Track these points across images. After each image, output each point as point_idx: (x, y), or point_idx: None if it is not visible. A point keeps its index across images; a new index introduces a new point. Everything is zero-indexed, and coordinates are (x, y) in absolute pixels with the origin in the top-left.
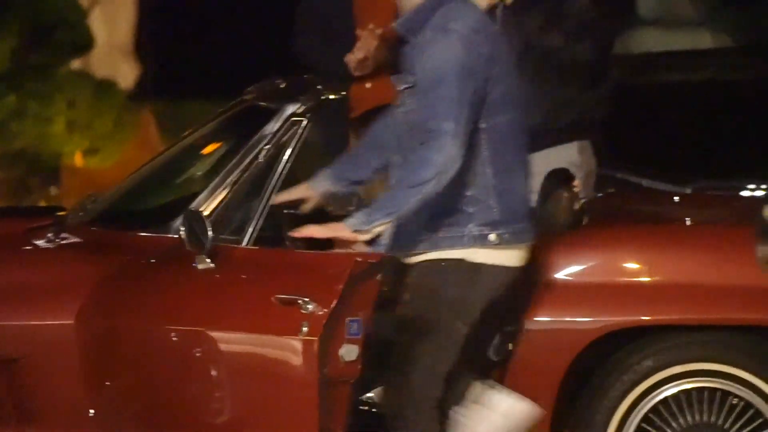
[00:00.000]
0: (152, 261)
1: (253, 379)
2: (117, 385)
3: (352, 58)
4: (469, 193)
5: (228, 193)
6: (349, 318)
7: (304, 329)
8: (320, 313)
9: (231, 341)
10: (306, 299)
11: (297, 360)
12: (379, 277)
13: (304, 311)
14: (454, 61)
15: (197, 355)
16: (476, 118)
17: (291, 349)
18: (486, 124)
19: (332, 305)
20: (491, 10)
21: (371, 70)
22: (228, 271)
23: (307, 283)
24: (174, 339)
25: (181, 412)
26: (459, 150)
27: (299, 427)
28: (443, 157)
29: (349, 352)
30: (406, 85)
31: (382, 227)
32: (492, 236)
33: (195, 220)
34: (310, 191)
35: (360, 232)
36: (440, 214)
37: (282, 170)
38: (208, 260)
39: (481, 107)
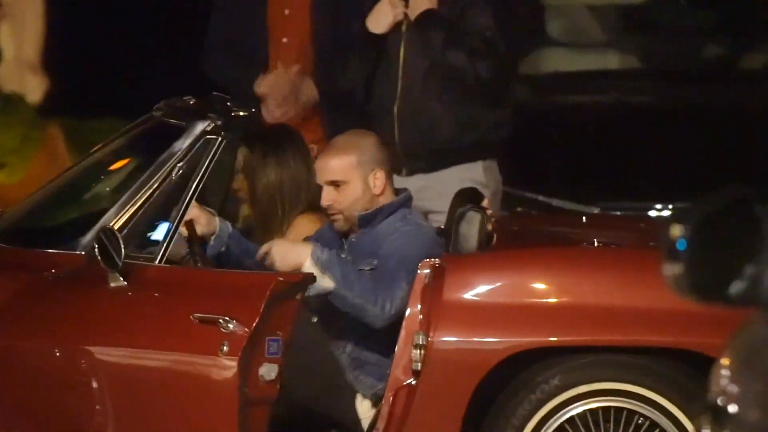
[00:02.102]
0: (61, 278)
1: (172, 398)
2: (21, 406)
3: (272, 115)
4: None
5: (139, 210)
6: (269, 337)
7: (225, 348)
8: (241, 332)
9: (148, 360)
10: (227, 318)
11: (218, 379)
12: (299, 296)
13: (224, 330)
14: (420, 245)
15: (111, 375)
16: None
17: (211, 368)
18: None
19: (254, 324)
20: (396, 27)
21: (295, 112)
22: (142, 290)
23: (226, 302)
24: (85, 358)
25: None
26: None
27: None
28: (393, 310)
29: (269, 371)
30: (370, 267)
31: (327, 282)
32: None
33: (108, 237)
34: (205, 219)
35: (316, 266)
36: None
37: (195, 188)
38: (121, 278)
39: None
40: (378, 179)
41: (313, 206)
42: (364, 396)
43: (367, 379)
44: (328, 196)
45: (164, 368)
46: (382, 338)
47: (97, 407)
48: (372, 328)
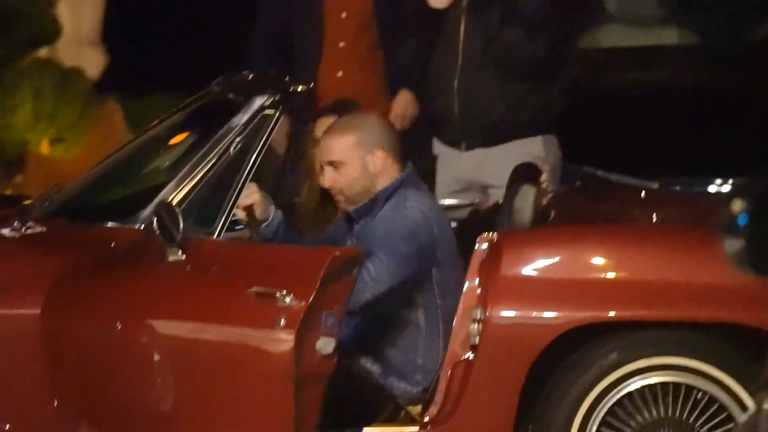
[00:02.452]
0: (119, 253)
1: (229, 372)
2: (83, 379)
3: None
4: (419, 361)
5: (197, 185)
6: (325, 312)
7: (281, 322)
8: (297, 306)
9: (205, 334)
10: (283, 292)
11: (274, 353)
12: (354, 271)
13: (281, 304)
14: (402, 226)
15: (170, 348)
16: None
17: (268, 342)
18: (441, 302)
19: (310, 298)
20: (456, 2)
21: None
22: (200, 264)
23: (283, 277)
24: (145, 332)
25: (151, 406)
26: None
27: (275, 421)
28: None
29: (325, 345)
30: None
31: None
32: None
33: (167, 212)
34: (263, 205)
35: None
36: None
37: (253, 163)
38: (180, 252)
39: (417, 273)
40: (378, 158)
41: None
42: (402, 401)
43: (400, 384)
44: (328, 177)
45: (221, 342)
46: (406, 341)
47: (158, 380)
48: (395, 336)
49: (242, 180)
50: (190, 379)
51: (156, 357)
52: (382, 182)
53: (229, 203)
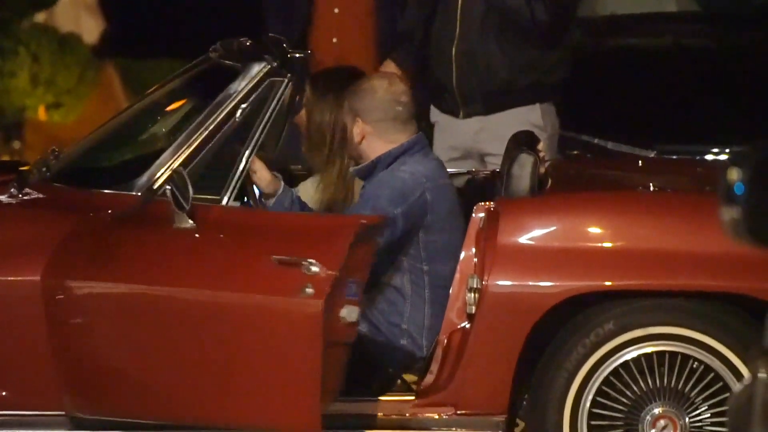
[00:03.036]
0: (119, 219)
1: (253, 341)
2: (88, 346)
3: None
4: (404, 326)
5: (197, 152)
6: (349, 279)
7: (308, 290)
8: (324, 274)
9: (228, 301)
10: (311, 260)
11: (301, 321)
12: (377, 239)
13: (306, 272)
14: (389, 187)
15: (182, 316)
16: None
17: (295, 310)
18: (428, 267)
19: (339, 266)
20: None
21: None
22: (212, 231)
23: (305, 244)
24: (156, 299)
25: (163, 374)
26: None
27: (302, 388)
28: None
29: (350, 313)
30: None
31: None
32: None
33: (177, 178)
34: (266, 179)
35: None
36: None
37: (260, 132)
38: (189, 220)
39: (403, 236)
40: (357, 128)
41: None
42: (391, 366)
43: (386, 349)
44: None
45: (243, 311)
46: (390, 306)
47: (172, 348)
48: (379, 299)
49: (249, 149)
50: (210, 348)
51: (169, 324)
52: (371, 151)
53: (235, 173)
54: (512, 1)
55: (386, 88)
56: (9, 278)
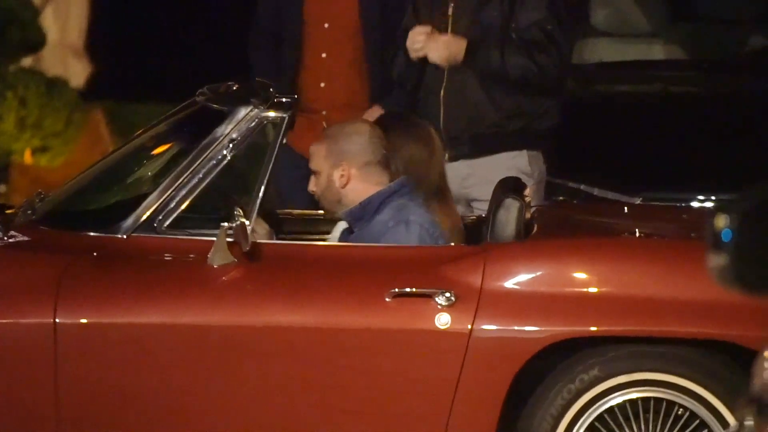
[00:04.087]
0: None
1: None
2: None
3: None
4: None
5: (189, 195)
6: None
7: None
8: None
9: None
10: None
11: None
12: None
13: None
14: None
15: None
16: None
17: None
18: None
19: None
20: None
21: None
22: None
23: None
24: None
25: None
26: None
27: None
28: None
29: None
30: None
31: None
32: None
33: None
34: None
35: None
36: None
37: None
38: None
39: None
40: (343, 173)
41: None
42: None
43: None
44: (311, 183)
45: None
46: None
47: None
48: None
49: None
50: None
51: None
52: (354, 195)
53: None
54: (517, 63)
55: (371, 132)
56: (19, 320)
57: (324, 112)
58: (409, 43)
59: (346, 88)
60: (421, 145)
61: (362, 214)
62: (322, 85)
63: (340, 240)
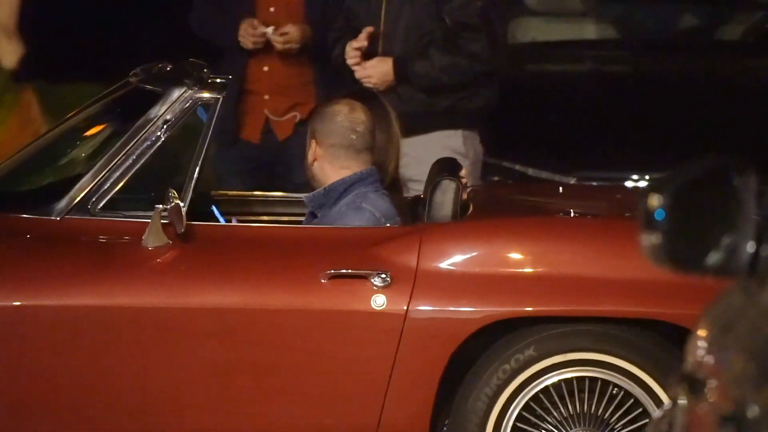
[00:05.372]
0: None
1: None
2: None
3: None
4: None
5: (122, 176)
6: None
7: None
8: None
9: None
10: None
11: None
12: None
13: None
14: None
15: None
16: None
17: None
18: None
19: None
20: None
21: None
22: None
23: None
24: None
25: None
26: None
27: None
28: None
29: None
30: None
31: None
32: None
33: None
34: None
35: None
36: None
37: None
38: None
39: None
40: (311, 149)
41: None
42: None
43: None
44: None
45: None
46: None
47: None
48: None
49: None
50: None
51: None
52: (321, 175)
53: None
54: (454, 61)
55: (345, 115)
56: None
57: (266, 97)
58: (350, 56)
59: (289, 72)
60: (379, 130)
61: (325, 200)
62: (266, 69)
63: (304, 223)
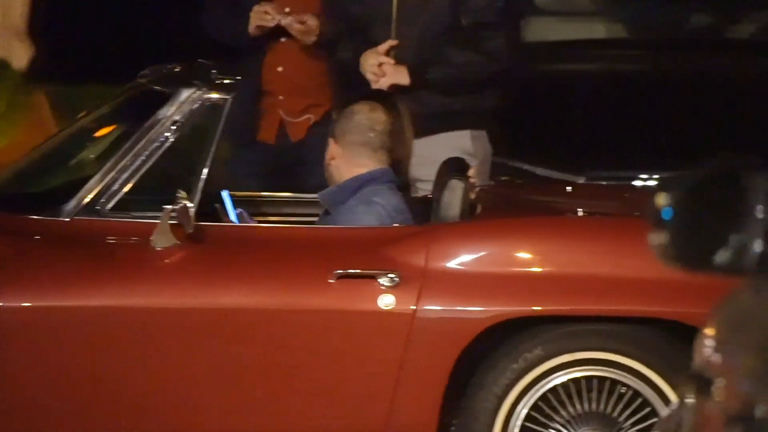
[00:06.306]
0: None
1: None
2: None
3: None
4: None
5: (131, 177)
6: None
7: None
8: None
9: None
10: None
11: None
12: None
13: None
14: (364, 221)
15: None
16: None
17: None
18: None
19: None
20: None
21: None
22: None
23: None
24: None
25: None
26: None
27: None
28: None
29: None
30: None
31: None
32: None
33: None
34: None
35: None
36: None
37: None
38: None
39: None
40: (329, 148)
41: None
42: None
43: None
44: None
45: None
46: None
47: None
48: None
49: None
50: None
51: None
52: (337, 173)
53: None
54: (466, 55)
55: (365, 113)
56: None
57: (281, 97)
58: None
59: (304, 72)
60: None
61: (339, 197)
62: (280, 69)
63: (319, 222)
